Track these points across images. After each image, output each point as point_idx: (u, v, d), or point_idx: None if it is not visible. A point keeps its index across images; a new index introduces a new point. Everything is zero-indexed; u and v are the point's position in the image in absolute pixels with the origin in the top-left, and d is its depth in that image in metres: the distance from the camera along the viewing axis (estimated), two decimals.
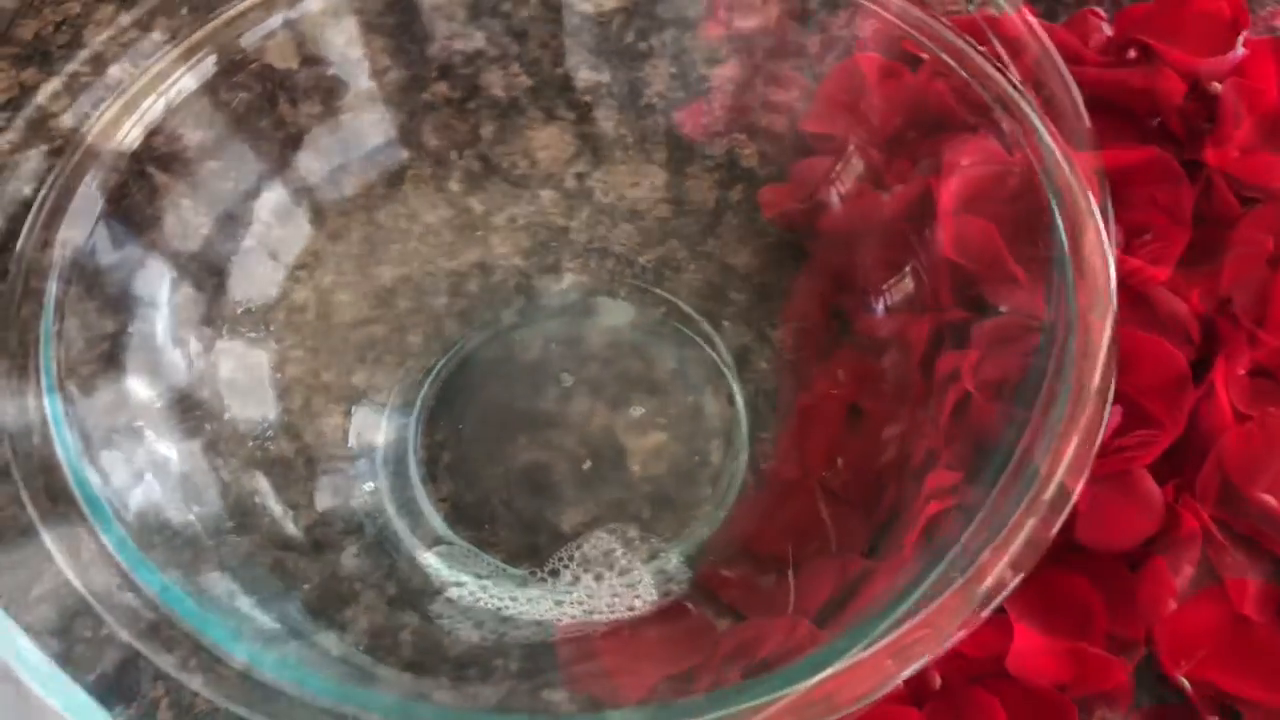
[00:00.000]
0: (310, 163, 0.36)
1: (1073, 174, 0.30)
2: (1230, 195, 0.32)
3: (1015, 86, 0.31)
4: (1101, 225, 0.29)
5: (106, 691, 0.30)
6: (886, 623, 0.24)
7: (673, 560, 0.31)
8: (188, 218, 0.34)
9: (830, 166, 0.38)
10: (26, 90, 0.43)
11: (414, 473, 0.33)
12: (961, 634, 0.24)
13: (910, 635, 0.24)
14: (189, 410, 0.30)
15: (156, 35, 0.33)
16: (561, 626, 0.30)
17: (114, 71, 0.32)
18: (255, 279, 0.33)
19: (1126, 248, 0.31)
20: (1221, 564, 0.30)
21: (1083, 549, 0.29)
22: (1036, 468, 0.25)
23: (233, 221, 0.33)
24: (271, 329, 0.34)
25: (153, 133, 0.31)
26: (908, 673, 0.23)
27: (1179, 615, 0.29)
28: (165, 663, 0.24)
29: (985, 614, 0.24)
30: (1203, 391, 0.31)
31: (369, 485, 0.32)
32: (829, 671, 0.23)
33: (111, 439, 0.28)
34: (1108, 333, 0.27)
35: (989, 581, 0.24)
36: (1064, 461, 0.25)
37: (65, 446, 0.26)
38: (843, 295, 0.35)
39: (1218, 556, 0.30)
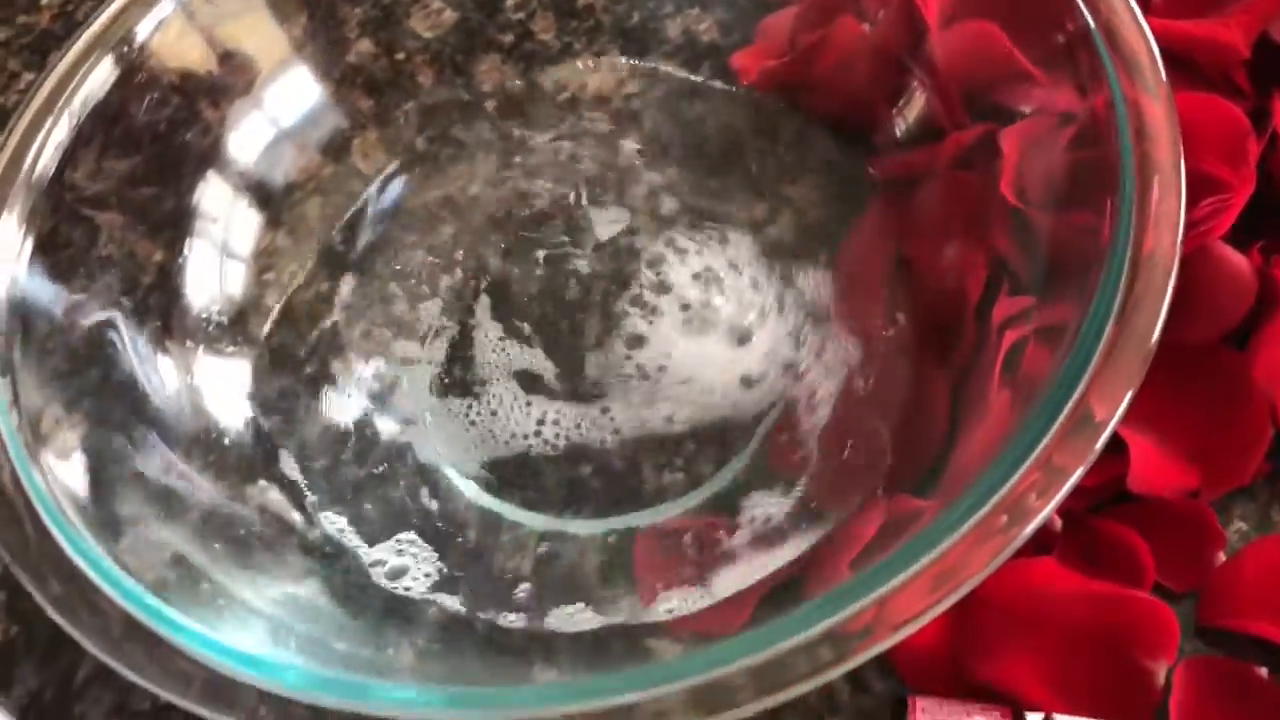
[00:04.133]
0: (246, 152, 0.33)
1: None
2: None
3: None
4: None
5: None
6: (995, 480, 0.21)
7: (744, 462, 0.28)
8: (136, 249, 0.31)
9: (804, 13, 0.35)
10: None
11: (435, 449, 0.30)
12: (1081, 470, 0.21)
13: (1021, 485, 0.21)
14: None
15: None
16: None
17: None
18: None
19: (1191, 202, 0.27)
20: None
21: (1134, 498, 0.27)
22: (1121, 262, 0.22)
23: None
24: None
25: (66, 157, 0.28)
26: (1032, 527, 0.20)
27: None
28: None
29: (1103, 440, 0.21)
30: (1267, 140, 0.28)
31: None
32: (943, 546, 0.20)
33: (111, 494, 0.26)
34: (1163, 106, 0.24)
35: (1097, 405, 0.21)
36: (1153, 249, 0.22)
37: (56, 520, 0.24)
38: (853, 144, 0.32)
39: None
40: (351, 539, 0.29)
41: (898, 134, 0.31)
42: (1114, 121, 0.23)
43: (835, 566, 0.25)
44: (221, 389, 0.31)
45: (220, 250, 0.31)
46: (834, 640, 0.20)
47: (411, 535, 0.28)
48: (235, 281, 0.32)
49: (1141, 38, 0.25)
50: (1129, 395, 0.21)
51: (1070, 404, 0.21)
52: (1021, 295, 0.26)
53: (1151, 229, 0.22)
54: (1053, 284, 0.25)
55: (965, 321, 0.27)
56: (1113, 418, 0.21)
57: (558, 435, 0.30)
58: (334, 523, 0.29)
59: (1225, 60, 0.29)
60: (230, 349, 0.31)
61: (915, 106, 0.31)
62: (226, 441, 0.30)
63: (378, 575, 0.28)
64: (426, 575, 0.28)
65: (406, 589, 0.28)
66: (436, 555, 0.28)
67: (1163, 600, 0.25)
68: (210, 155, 0.32)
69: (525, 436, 0.30)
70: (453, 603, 0.27)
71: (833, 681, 0.26)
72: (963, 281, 0.28)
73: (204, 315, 0.31)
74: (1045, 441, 0.21)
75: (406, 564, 0.28)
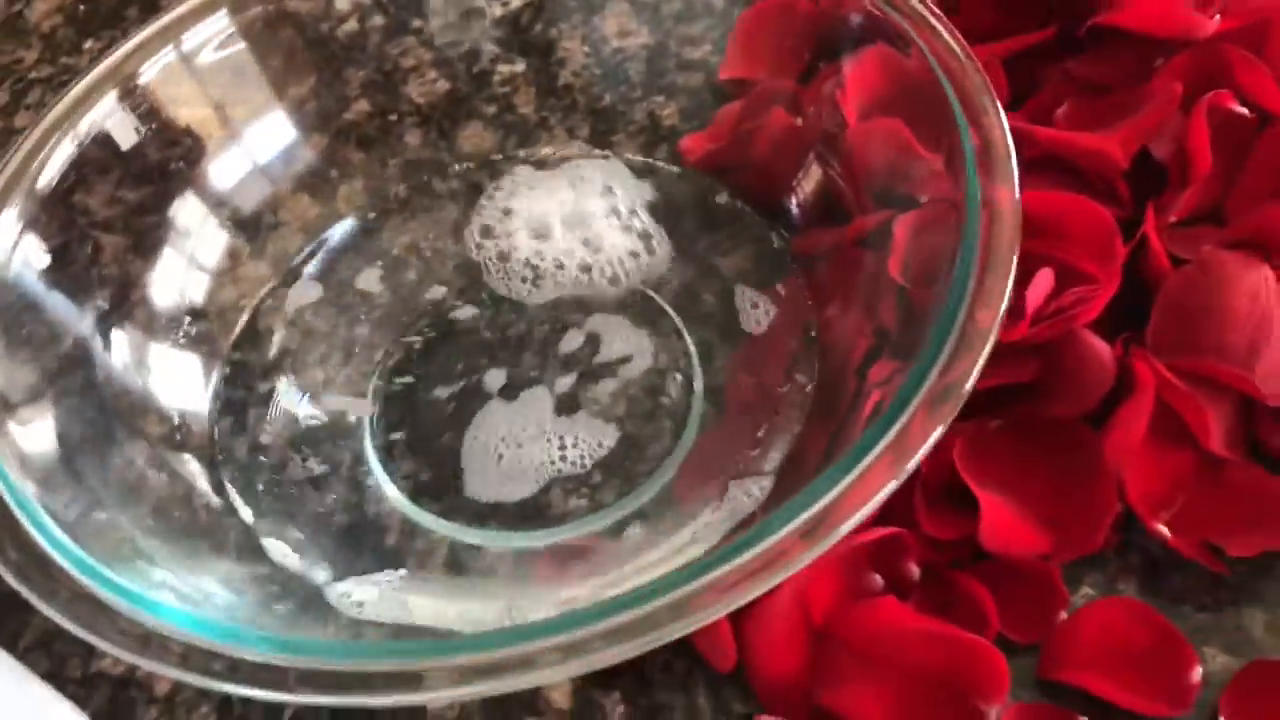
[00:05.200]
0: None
1: (965, 60, 0.30)
2: (1163, 255, 0.31)
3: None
4: (999, 105, 0.29)
5: None
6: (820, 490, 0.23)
7: (647, 495, 0.31)
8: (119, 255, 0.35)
9: (749, 105, 0.38)
10: None
11: (371, 456, 0.33)
12: (889, 488, 0.23)
13: (841, 499, 0.23)
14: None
15: None
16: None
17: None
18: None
19: (1056, 293, 0.30)
20: (1182, 407, 0.29)
21: (986, 556, 0.29)
22: (948, 328, 0.25)
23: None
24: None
25: (65, 173, 0.32)
26: (844, 530, 0.23)
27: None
28: (163, 668, 0.24)
29: (912, 464, 0.23)
30: (1135, 243, 0.31)
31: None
32: (770, 540, 0.23)
33: (71, 476, 0.29)
34: (1011, 202, 0.27)
35: (914, 435, 0.24)
36: (980, 318, 0.25)
37: (10, 488, 0.27)
38: (775, 221, 0.35)
39: (1177, 400, 0.29)
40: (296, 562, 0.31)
41: (813, 215, 0.34)
42: (966, 212, 0.26)
43: None
44: (185, 394, 0.34)
45: (197, 268, 0.35)
46: (675, 609, 0.22)
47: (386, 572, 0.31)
48: (208, 297, 0.35)
49: (1004, 143, 0.28)
50: (938, 430, 0.23)
51: (890, 434, 0.23)
52: (893, 359, 0.29)
53: (980, 302, 0.25)
54: (912, 349, 0.28)
55: (848, 380, 0.30)
56: (922, 446, 0.23)
57: (581, 457, 0.32)
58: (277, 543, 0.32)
59: (1106, 170, 0.32)
60: (198, 357, 0.34)
61: (828, 191, 0.34)
62: (183, 440, 0.33)
63: (337, 600, 0.30)
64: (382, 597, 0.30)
65: (359, 606, 0.30)
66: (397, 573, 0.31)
67: (1001, 650, 0.27)
68: (201, 189, 0.36)
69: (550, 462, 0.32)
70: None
71: (698, 703, 0.29)
72: (850, 346, 0.31)
73: (175, 323, 0.34)
74: (865, 462, 0.23)
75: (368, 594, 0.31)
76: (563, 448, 0.32)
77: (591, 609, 0.23)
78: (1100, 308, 0.30)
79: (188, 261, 0.35)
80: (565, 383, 0.34)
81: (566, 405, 0.33)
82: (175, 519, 0.31)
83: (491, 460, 0.32)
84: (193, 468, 0.32)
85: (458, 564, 0.31)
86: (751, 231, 0.36)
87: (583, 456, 0.32)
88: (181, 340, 0.34)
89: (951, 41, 0.30)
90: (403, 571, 0.31)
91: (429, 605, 0.30)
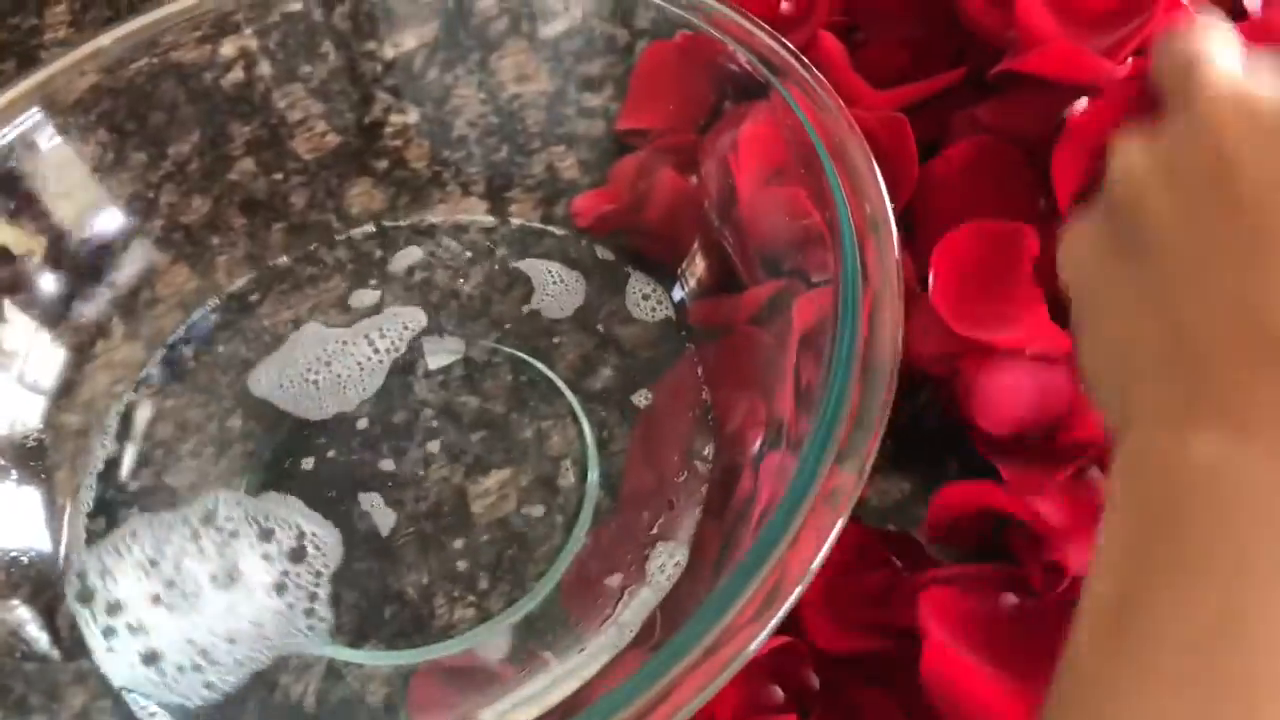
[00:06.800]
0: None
1: (844, 122, 0.28)
2: None
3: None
4: (883, 188, 0.27)
5: None
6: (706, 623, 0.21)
7: (535, 602, 0.29)
8: None
9: (645, 161, 0.36)
10: None
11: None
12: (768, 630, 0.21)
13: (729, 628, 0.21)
14: None
15: None
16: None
17: None
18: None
19: None
20: None
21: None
22: (835, 406, 0.23)
23: None
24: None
25: None
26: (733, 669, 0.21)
27: None
28: None
29: (794, 598, 0.21)
30: None
31: None
32: (664, 680, 0.21)
33: None
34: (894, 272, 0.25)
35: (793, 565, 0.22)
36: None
37: None
38: (671, 290, 0.33)
39: None
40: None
41: (706, 285, 0.32)
42: (844, 290, 0.25)
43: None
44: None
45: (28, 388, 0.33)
46: None
47: None
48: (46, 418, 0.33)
49: (885, 214, 0.26)
50: (834, 533, 0.22)
51: (781, 545, 0.21)
52: (786, 452, 0.27)
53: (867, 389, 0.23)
54: (800, 441, 0.26)
55: (744, 472, 0.28)
56: (816, 556, 0.21)
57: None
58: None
59: None
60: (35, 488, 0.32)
61: (721, 260, 0.32)
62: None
63: None
64: None
65: None
66: None
67: None
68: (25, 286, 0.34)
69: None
70: None
71: None
72: (746, 434, 0.29)
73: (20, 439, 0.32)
74: (755, 579, 0.21)
75: None
76: None
77: None
78: None
79: (18, 381, 0.32)
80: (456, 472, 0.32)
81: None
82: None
83: None
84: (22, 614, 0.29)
85: (333, 684, 0.29)
86: (650, 301, 0.33)
87: None
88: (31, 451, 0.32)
89: (828, 99, 0.28)
90: None
91: None
